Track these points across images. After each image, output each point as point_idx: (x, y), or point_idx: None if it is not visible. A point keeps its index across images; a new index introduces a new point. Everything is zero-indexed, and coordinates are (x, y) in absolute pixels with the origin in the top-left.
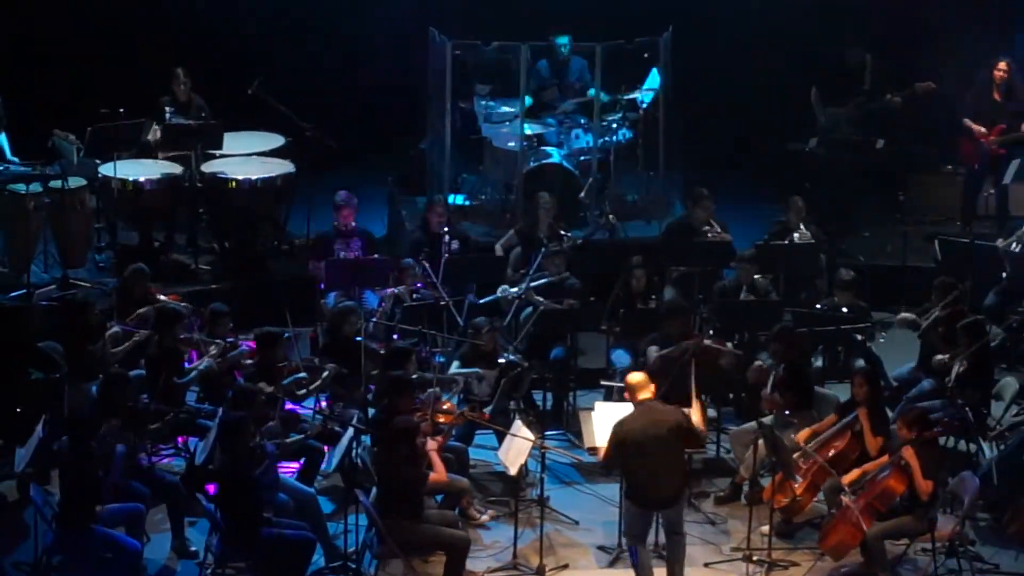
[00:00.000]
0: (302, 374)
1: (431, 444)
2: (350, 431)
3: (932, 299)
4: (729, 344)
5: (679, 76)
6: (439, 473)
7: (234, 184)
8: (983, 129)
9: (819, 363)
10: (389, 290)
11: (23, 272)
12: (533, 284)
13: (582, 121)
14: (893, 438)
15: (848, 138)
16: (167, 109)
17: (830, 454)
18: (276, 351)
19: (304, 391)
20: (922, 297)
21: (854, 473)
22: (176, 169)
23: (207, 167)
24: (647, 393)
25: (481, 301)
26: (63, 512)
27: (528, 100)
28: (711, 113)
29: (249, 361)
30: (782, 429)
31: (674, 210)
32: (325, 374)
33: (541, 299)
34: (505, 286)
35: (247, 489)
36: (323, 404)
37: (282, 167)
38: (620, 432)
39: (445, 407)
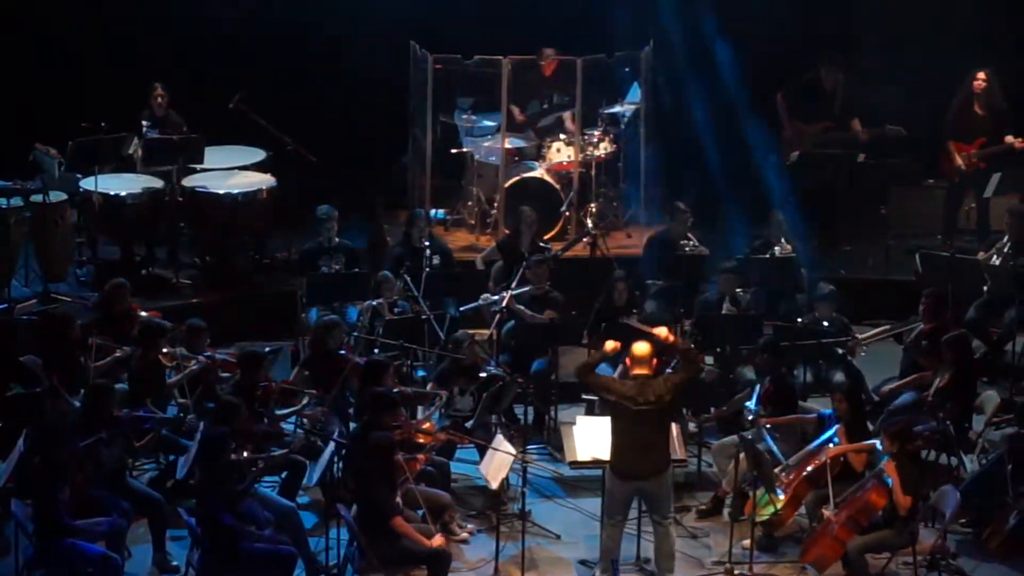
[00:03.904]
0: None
1: (415, 464)
2: (331, 445)
3: (921, 311)
4: (709, 359)
5: (660, 90)
6: (408, 525)
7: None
8: (961, 163)
9: (802, 378)
10: (367, 303)
11: (4, 286)
12: (515, 293)
13: (562, 136)
14: (875, 451)
15: (829, 152)
16: (144, 124)
17: (810, 468)
18: (258, 372)
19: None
20: (904, 310)
21: (839, 449)
22: (157, 183)
23: (188, 181)
24: (647, 369)
25: (462, 309)
26: (39, 527)
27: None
28: (692, 127)
29: (226, 374)
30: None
31: (654, 224)
32: (304, 401)
33: (523, 307)
34: (487, 294)
35: (227, 505)
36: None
37: (263, 181)
38: (613, 386)
39: (424, 426)
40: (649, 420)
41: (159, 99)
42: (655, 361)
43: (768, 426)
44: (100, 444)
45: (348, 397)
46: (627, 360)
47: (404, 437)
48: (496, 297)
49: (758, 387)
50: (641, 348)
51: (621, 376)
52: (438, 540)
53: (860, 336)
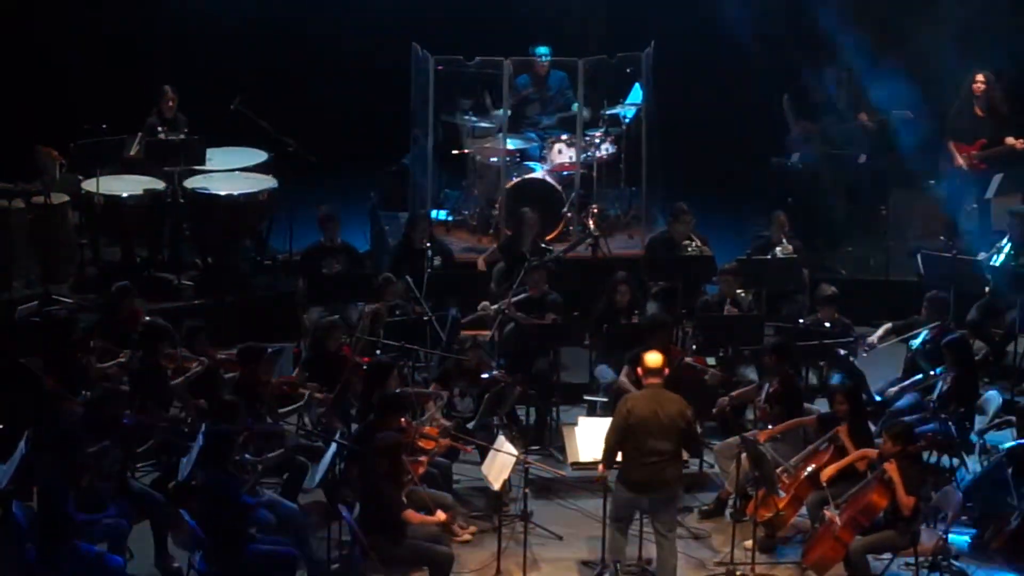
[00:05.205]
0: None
1: (418, 467)
2: (333, 446)
3: (923, 314)
4: (711, 360)
5: (662, 91)
6: (417, 515)
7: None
8: (962, 163)
9: (804, 379)
10: (367, 308)
11: (4, 288)
12: (514, 300)
13: (564, 136)
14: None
15: (830, 152)
16: (159, 129)
17: (811, 468)
18: (258, 367)
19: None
20: (906, 311)
21: (832, 468)
22: (158, 185)
23: (189, 183)
24: (659, 378)
25: (464, 321)
26: (42, 528)
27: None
28: (694, 128)
29: (229, 375)
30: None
31: (656, 225)
32: (307, 396)
33: (523, 315)
34: (485, 303)
35: (230, 505)
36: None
37: (264, 182)
38: (625, 409)
39: (426, 430)
40: (661, 432)
41: (170, 102)
42: (666, 371)
43: (770, 425)
44: (106, 451)
45: (349, 398)
46: (638, 369)
47: (408, 440)
48: (495, 308)
49: (767, 386)
50: (654, 359)
51: (627, 377)
52: (440, 516)
53: (872, 339)
